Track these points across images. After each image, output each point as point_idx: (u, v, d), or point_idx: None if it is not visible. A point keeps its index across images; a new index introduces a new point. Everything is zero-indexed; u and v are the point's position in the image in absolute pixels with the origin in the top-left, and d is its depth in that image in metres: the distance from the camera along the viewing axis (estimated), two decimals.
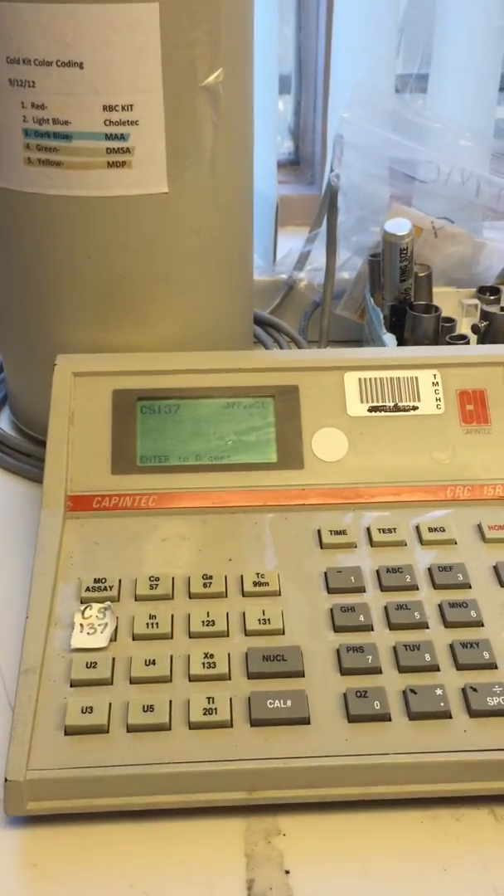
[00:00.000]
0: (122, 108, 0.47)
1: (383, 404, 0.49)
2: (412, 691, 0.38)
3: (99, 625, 0.41)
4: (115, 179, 0.49)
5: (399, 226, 0.58)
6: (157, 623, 0.41)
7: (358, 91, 0.65)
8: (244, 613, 0.41)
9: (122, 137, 0.48)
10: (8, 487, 0.57)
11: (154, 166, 0.49)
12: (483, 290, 0.66)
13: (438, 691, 0.38)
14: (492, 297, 0.65)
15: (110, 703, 0.38)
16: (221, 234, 0.54)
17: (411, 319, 0.59)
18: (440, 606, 0.42)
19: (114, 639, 0.40)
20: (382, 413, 0.49)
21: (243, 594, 0.43)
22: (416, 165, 0.65)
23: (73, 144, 0.48)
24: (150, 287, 0.52)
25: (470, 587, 0.43)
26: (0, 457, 0.58)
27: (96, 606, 0.42)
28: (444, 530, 0.46)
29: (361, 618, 0.41)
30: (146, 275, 0.52)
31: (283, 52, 0.81)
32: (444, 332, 0.60)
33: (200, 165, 0.50)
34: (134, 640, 0.40)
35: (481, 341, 0.61)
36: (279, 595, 0.43)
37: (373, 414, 0.49)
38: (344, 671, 0.39)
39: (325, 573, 0.44)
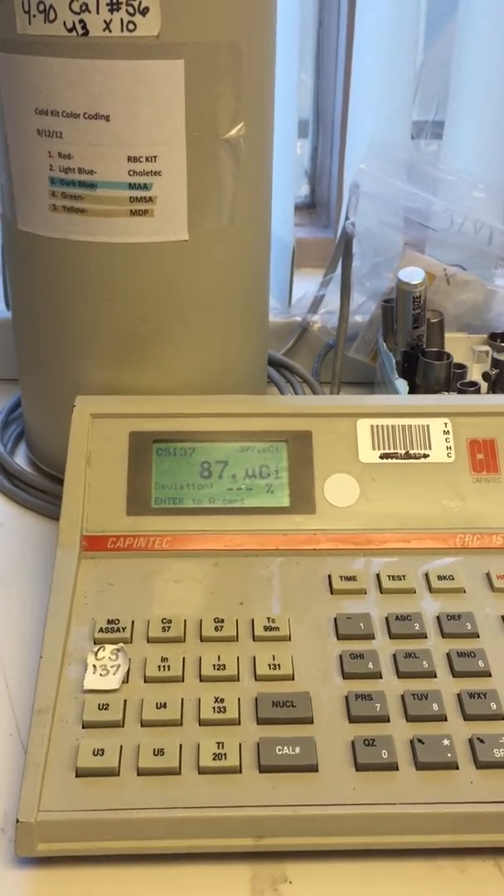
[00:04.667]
0: (146, 159, 0.48)
1: (395, 451, 0.50)
2: (419, 741, 0.38)
3: (112, 666, 0.41)
4: (137, 227, 0.50)
5: (413, 275, 0.59)
6: (168, 666, 0.41)
7: (375, 143, 0.66)
8: (254, 658, 0.42)
9: (145, 187, 0.49)
10: (23, 523, 0.57)
11: (175, 215, 0.50)
12: (494, 337, 0.67)
13: (445, 741, 0.38)
14: (502, 344, 0.66)
15: (121, 746, 0.38)
16: (239, 279, 0.55)
17: (423, 366, 0.60)
18: (448, 655, 0.42)
19: (126, 680, 0.41)
20: (394, 460, 0.50)
21: (254, 638, 0.43)
22: (430, 215, 0.67)
23: (97, 193, 0.49)
24: (169, 330, 0.54)
25: (478, 637, 0.43)
26: (16, 493, 0.59)
27: (109, 648, 0.42)
28: (452, 578, 0.46)
29: (370, 665, 0.42)
30: (165, 319, 0.53)
31: (300, 98, 0.83)
32: (455, 378, 0.61)
33: (220, 214, 0.52)
34: (146, 682, 0.41)
35: (492, 389, 0.62)
36: (289, 640, 0.43)
37: (384, 461, 0.50)
38: (352, 719, 0.40)
39: (335, 619, 0.44)
